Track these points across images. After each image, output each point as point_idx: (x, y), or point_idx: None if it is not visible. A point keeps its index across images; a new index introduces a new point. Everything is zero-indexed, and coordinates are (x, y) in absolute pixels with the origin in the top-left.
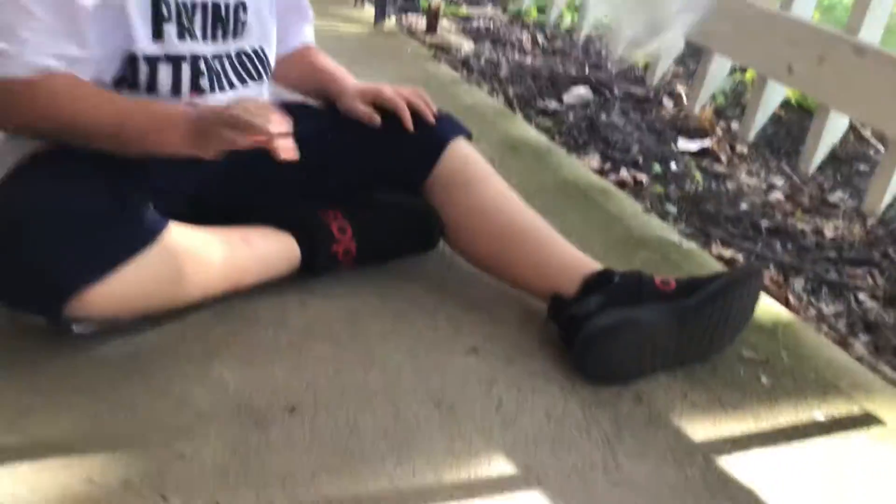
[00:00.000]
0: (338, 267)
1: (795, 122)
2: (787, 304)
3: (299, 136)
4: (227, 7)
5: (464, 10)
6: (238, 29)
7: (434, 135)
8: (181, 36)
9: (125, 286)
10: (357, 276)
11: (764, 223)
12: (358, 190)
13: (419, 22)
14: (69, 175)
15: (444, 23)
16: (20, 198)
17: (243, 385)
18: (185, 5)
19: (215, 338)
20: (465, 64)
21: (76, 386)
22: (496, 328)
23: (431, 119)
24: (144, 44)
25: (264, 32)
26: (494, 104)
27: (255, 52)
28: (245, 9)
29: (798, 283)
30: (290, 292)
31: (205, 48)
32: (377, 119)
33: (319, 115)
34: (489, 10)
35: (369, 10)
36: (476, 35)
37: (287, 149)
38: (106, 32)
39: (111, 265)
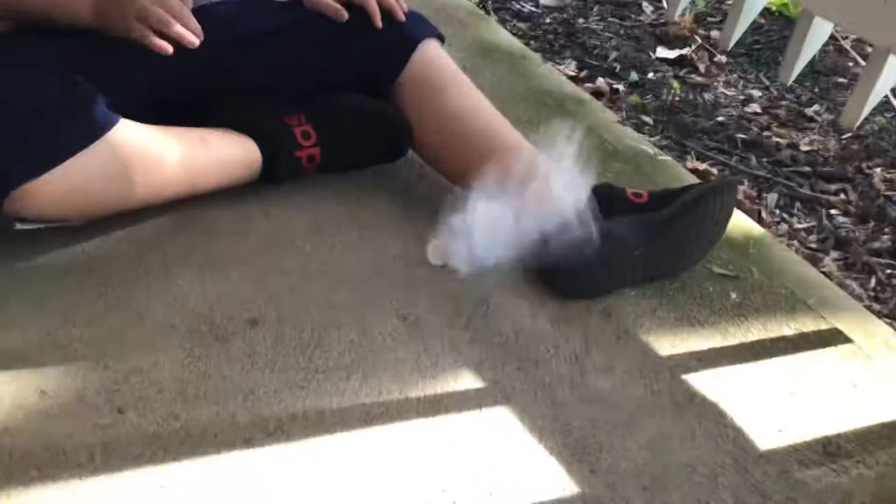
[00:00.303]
0: (301, 174)
1: (776, 31)
2: (759, 219)
3: (260, 31)
4: None
5: None
6: None
7: (404, 34)
8: None
9: (71, 181)
10: (321, 184)
11: (740, 136)
12: (323, 91)
13: None
14: (18, 62)
15: None
16: None
17: (203, 297)
18: None
19: (174, 247)
20: None
21: (27, 296)
22: None
23: (401, 17)
24: None
25: None
26: (467, 5)
27: None
28: None
29: (771, 198)
30: (252, 201)
31: None
32: (344, 14)
33: (282, 10)
34: None
35: None
36: None
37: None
38: None
39: (56, 157)
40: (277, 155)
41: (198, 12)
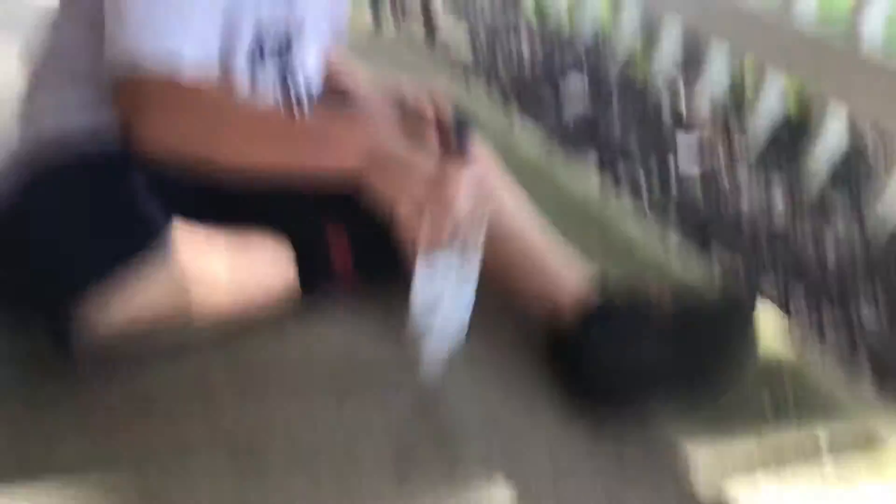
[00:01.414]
0: (337, 282)
1: (796, 126)
2: (787, 317)
3: None
4: (295, 23)
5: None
6: (297, 49)
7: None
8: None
9: (128, 297)
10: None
11: (764, 231)
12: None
13: (418, 27)
14: (78, 170)
15: (441, 23)
16: (30, 197)
17: (243, 427)
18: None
19: (216, 378)
20: (462, 64)
21: (78, 423)
22: (496, 350)
23: (448, 118)
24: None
25: (318, 49)
26: (489, 102)
27: (307, 73)
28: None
29: (798, 297)
30: (290, 326)
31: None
32: (396, 112)
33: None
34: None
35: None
36: (474, 34)
37: None
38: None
39: (116, 266)
40: (314, 265)
41: None
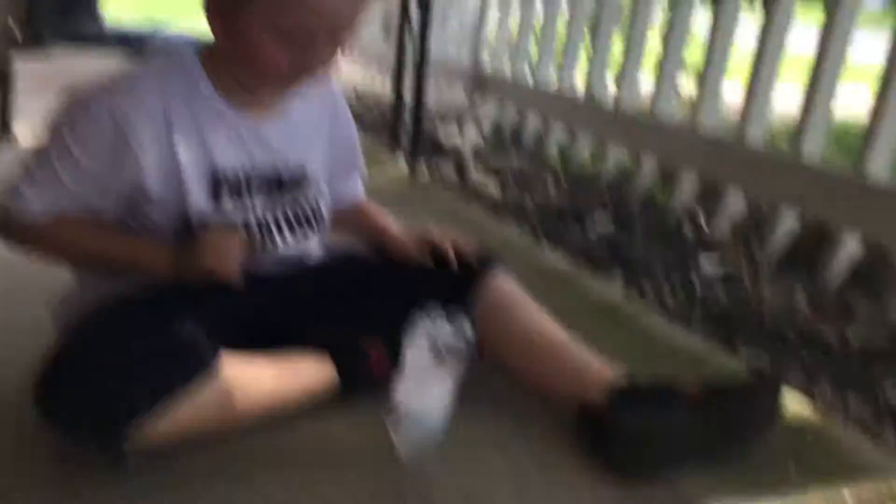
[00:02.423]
0: (376, 383)
1: (816, 238)
2: (813, 405)
3: (346, 280)
4: (287, 172)
5: (490, 161)
6: (296, 190)
7: (474, 268)
8: (237, 205)
9: (180, 416)
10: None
11: (788, 331)
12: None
13: (450, 172)
14: (127, 315)
15: (473, 173)
16: (80, 338)
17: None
18: (246, 175)
19: (261, 457)
20: (493, 207)
21: (118, 494)
22: (526, 430)
23: (471, 256)
24: (202, 213)
25: (320, 191)
26: (521, 238)
27: (312, 208)
28: (305, 172)
29: (824, 387)
30: (331, 411)
31: (259, 211)
32: (428, 259)
33: (367, 262)
34: (514, 160)
35: (402, 164)
36: (503, 177)
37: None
38: (162, 198)
39: (167, 398)
40: (355, 377)
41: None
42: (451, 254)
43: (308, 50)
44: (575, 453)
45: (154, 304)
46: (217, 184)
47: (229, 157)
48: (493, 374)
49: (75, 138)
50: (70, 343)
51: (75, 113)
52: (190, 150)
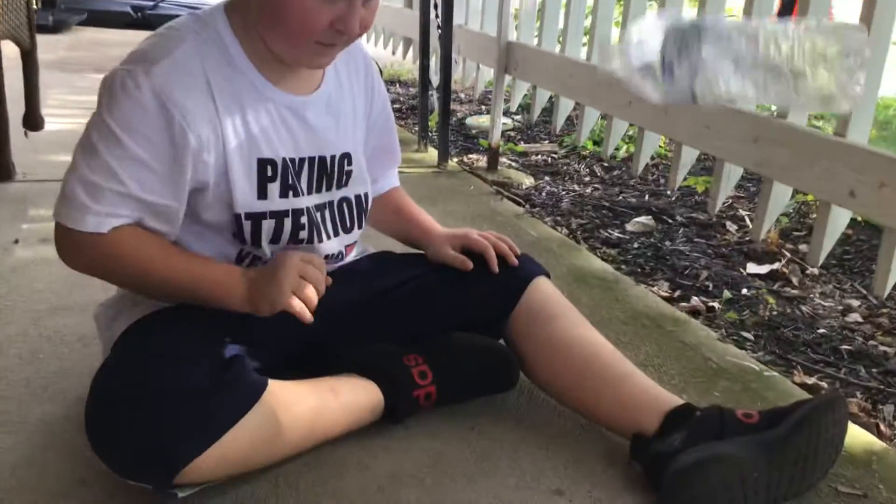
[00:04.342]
0: (419, 411)
1: (866, 240)
2: (878, 432)
3: (388, 286)
4: (332, 159)
5: (521, 146)
6: (342, 179)
7: (517, 274)
8: (284, 194)
9: (230, 449)
10: (438, 415)
11: (844, 347)
12: (442, 330)
13: (480, 160)
14: (173, 343)
15: (503, 160)
16: (129, 372)
17: None
18: (291, 161)
19: (306, 486)
20: (527, 199)
21: None
22: (579, 467)
23: (514, 261)
24: (248, 203)
25: (364, 178)
26: (558, 237)
27: (358, 197)
28: (350, 160)
29: (888, 410)
30: (375, 436)
31: (308, 200)
32: (469, 264)
33: (406, 263)
34: (546, 145)
35: (432, 152)
36: (535, 170)
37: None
38: (212, 196)
39: (218, 433)
40: (398, 397)
41: (332, 271)
42: (494, 260)
43: (348, 8)
44: (631, 496)
45: (199, 323)
46: (263, 175)
47: (274, 143)
48: (533, 395)
49: (123, 127)
50: (118, 374)
51: (116, 98)
52: (236, 134)
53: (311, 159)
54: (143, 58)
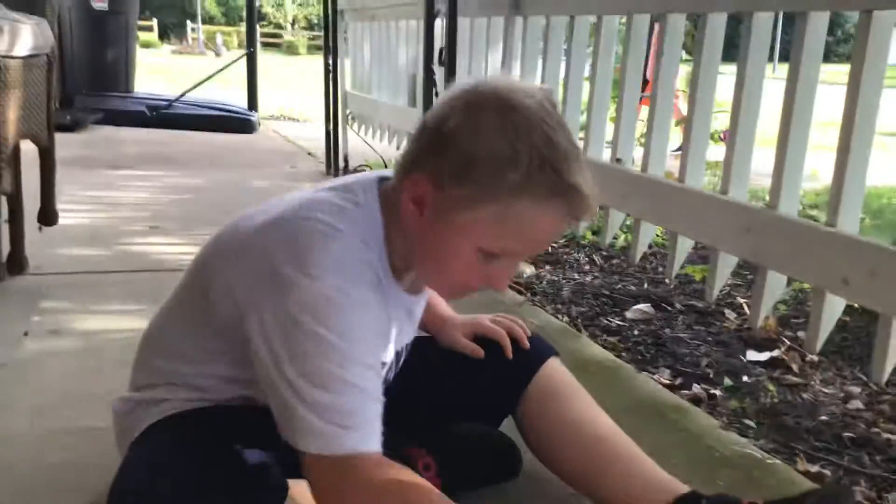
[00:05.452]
0: None
1: (863, 326)
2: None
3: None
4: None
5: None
6: None
7: (529, 356)
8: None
9: None
10: None
11: (847, 434)
12: (442, 419)
13: None
14: (193, 444)
15: None
16: (148, 475)
17: None
18: (398, 354)
19: None
20: (528, 287)
21: None
22: None
23: (527, 344)
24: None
25: None
26: (559, 325)
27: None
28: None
29: (893, 497)
30: None
31: None
32: (480, 352)
33: (417, 346)
34: None
35: None
36: (536, 259)
37: None
38: None
39: None
40: None
41: None
42: (509, 347)
43: (501, 270)
44: None
45: (222, 426)
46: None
47: (399, 340)
48: (537, 480)
49: (339, 333)
50: (138, 477)
51: (313, 302)
52: (392, 330)
53: (407, 345)
54: (311, 248)
